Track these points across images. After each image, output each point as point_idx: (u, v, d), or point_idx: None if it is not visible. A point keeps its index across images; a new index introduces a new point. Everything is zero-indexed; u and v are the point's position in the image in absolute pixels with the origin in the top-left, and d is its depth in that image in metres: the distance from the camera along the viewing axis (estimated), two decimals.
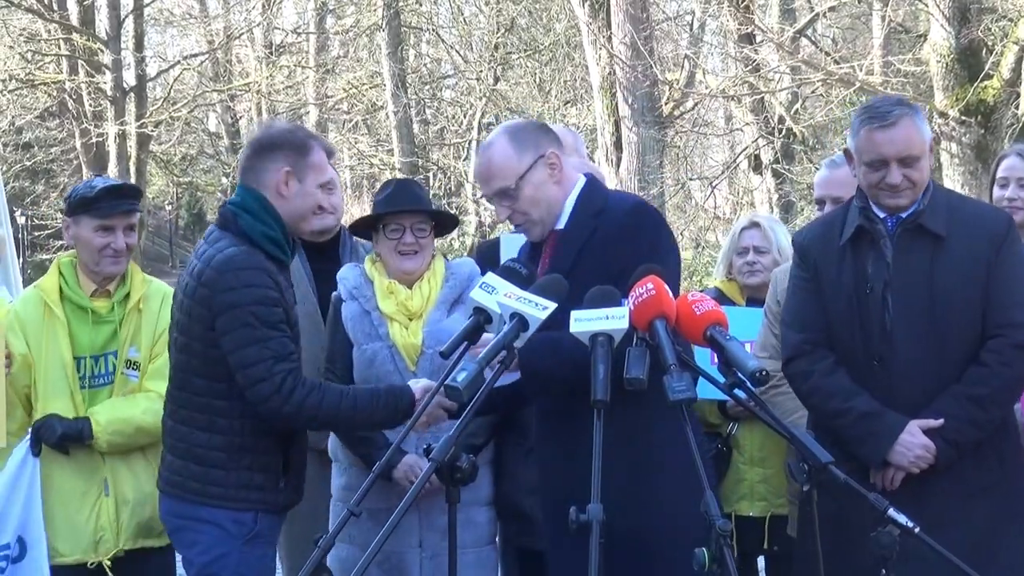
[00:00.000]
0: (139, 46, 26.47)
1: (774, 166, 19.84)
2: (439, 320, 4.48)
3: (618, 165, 16.73)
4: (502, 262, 3.80)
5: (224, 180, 31.11)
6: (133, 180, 24.33)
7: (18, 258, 6.81)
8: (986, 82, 13.08)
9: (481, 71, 25.98)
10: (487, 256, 4.77)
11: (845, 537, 3.64)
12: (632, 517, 3.52)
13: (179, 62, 28.21)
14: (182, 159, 31.93)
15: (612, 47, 16.17)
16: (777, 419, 3.36)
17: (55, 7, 25.25)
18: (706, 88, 20.23)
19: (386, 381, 4.42)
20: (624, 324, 3.20)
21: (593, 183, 3.98)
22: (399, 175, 21.11)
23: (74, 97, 25.34)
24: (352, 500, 3.23)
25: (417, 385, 4.05)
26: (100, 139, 24.87)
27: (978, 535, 3.89)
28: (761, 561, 5.27)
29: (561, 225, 3.89)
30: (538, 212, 3.87)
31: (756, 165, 20.65)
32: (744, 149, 20.96)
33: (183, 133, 28.98)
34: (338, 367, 4.55)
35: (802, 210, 20.37)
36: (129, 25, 26.03)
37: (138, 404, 4.56)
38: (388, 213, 4.53)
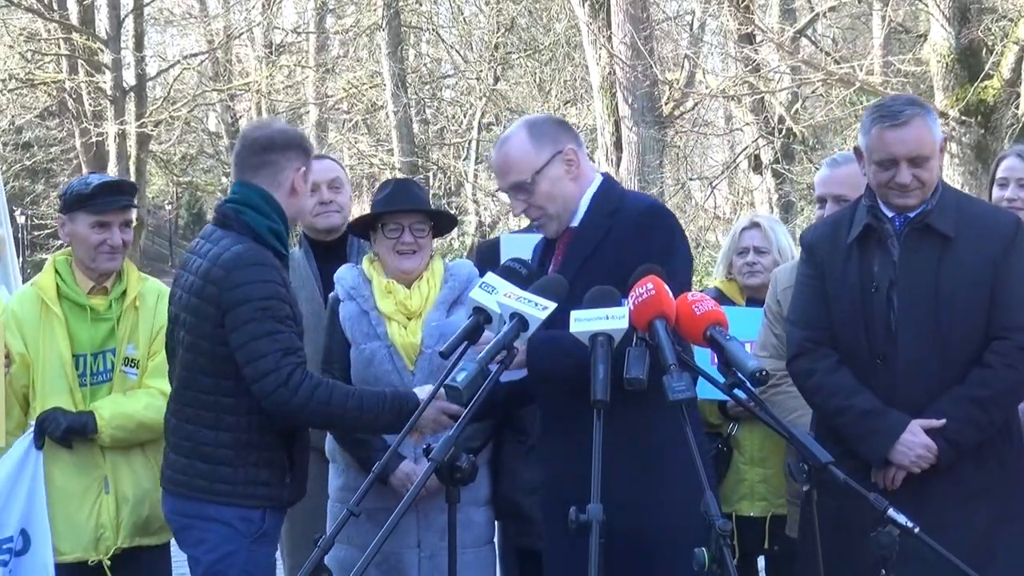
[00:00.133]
0: (139, 46, 26.46)
1: (774, 166, 19.83)
2: (438, 320, 4.48)
3: (618, 165, 16.73)
4: (502, 262, 3.80)
5: (224, 180, 31.09)
6: (133, 180, 24.35)
7: (18, 258, 6.81)
8: (986, 82, 13.08)
9: (481, 71, 25.98)
10: (487, 256, 4.77)
11: (846, 537, 3.64)
12: (634, 517, 3.51)
13: (179, 62, 28.20)
14: (182, 159, 31.93)
15: (612, 47, 16.17)
16: (777, 419, 3.36)
17: (55, 7, 25.24)
18: (706, 88, 20.23)
19: (384, 381, 4.43)
20: (624, 324, 3.20)
21: (609, 182, 3.98)
22: (399, 175, 21.10)
23: (74, 97, 25.34)
24: (352, 500, 3.23)
25: (422, 392, 4.03)
26: (100, 139, 24.87)
27: (978, 536, 3.89)
28: (761, 561, 5.27)
29: (576, 222, 3.88)
30: (554, 207, 3.87)
31: (756, 165, 20.65)
32: (744, 149, 20.95)
33: (183, 133, 28.97)
34: (336, 368, 4.54)
35: (802, 210, 20.37)
36: (129, 25, 26.03)
37: (140, 400, 4.57)
38: (387, 212, 4.53)
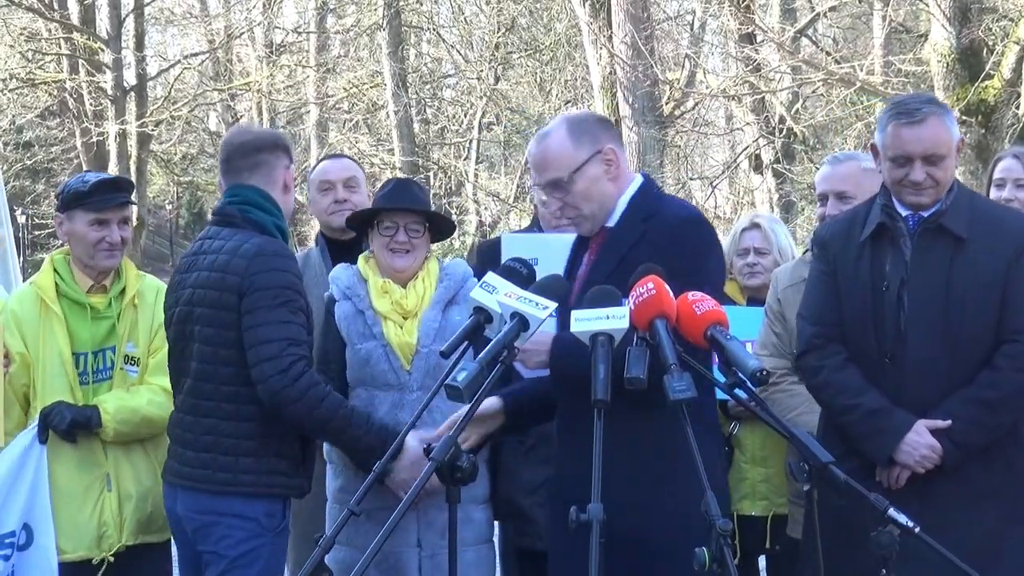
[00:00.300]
0: (140, 45, 26.43)
1: (775, 166, 19.82)
2: (434, 319, 4.48)
3: None
4: (503, 262, 3.79)
5: None
6: (133, 179, 24.33)
7: (18, 257, 6.81)
8: (987, 82, 13.07)
9: (482, 70, 25.97)
10: (488, 256, 4.77)
11: (849, 536, 3.64)
12: (645, 517, 3.51)
13: (180, 61, 28.17)
14: (182, 158, 31.88)
15: (613, 47, 16.16)
16: (777, 419, 3.35)
17: (56, 6, 25.23)
18: (707, 88, 20.22)
19: (381, 380, 4.46)
20: (624, 324, 3.20)
21: (649, 185, 3.91)
22: (400, 174, 21.08)
23: (75, 96, 25.32)
24: (352, 500, 3.23)
25: (413, 439, 4.12)
26: (100, 138, 24.85)
27: (984, 537, 3.90)
28: (762, 561, 5.27)
29: (612, 223, 3.83)
30: (590, 207, 3.82)
31: (756, 165, 20.64)
32: (744, 149, 20.95)
33: (184, 132, 28.94)
34: (332, 368, 4.54)
35: (802, 210, 20.37)
36: (130, 24, 26.00)
37: (143, 396, 4.59)
38: (383, 210, 4.53)
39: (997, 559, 3.88)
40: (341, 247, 5.09)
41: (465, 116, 27.32)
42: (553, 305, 3.37)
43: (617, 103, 16.66)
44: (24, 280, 5.68)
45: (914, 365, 3.99)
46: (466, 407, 3.31)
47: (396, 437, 3.91)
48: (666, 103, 17.58)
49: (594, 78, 17.36)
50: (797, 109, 19.12)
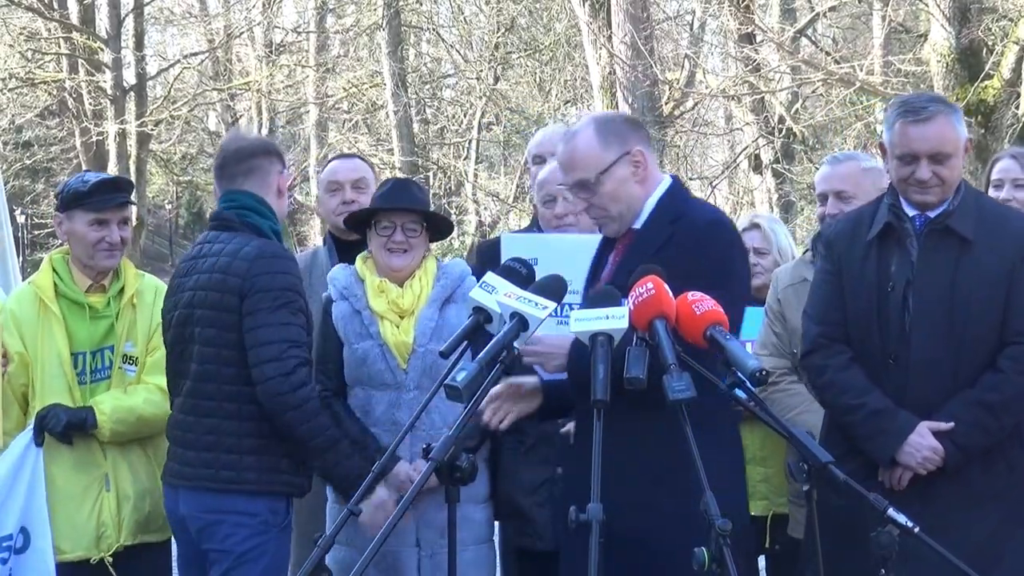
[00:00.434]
0: (139, 45, 26.43)
1: (774, 166, 19.82)
2: (431, 318, 4.49)
3: None
4: (503, 262, 3.79)
5: None
6: (133, 179, 24.31)
7: (18, 257, 6.80)
8: (986, 82, 13.06)
9: (481, 70, 25.97)
10: (488, 256, 4.76)
11: (849, 536, 3.64)
12: (657, 518, 3.51)
13: (179, 61, 28.16)
14: (182, 158, 31.87)
15: (612, 47, 16.15)
16: (776, 418, 3.35)
17: (55, 6, 25.21)
18: (706, 88, 20.22)
19: (378, 380, 4.48)
20: (624, 324, 3.20)
21: (676, 187, 3.88)
22: (399, 174, 21.08)
23: (74, 96, 25.30)
24: (352, 500, 3.23)
25: (405, 464, 4.27)
26: (100, 138, 24.84)
27: (985, 539, 3.89)
28: (762, 560, 5.26)
29: (639, 224, 3.80)
30: (616, 208, 3.79)
31: (756, 165, 20.64)
32: (744, 149, 20.95)
33: (183, 132, 28.94)
34: (330, 368, 4.56)
35: (802, 210, 20.37)
36: (129, 24, 25.99)
37: (139, 395, 4.59)
38: (380, 210, 4.54)
39: (998, 561, 3.88)
40: (349, 247, 5.09)
41: (465, 116, 27.32)
42: (552, 305, 3.37)
43: (617, 103, 16.65)
44: (24, 280, 5.68)
45: (917, 366, 3.99)
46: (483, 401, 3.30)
47: (372, 472, 3.97)
48: (666, 103, 17.58)
49: (594, 78, 17.36)
50: (797, 109, 19.12)
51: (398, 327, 4.50)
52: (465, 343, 3.41)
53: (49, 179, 29.63)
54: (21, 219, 28.90)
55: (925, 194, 4.01)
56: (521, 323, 3.32)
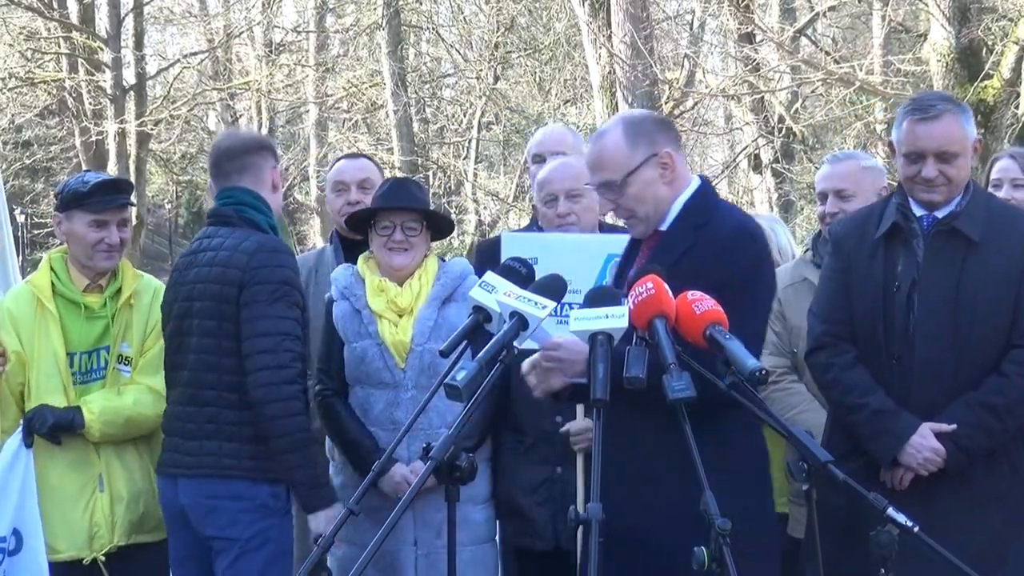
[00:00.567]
0: (139, 44, 26.40)
1: (774, 165, 19.81)
2: (429, 317, 4.49)
3: None
4: (503, 261, 3.79)
5: None
6: (133, 179, 24.30)
7: (18, 256, 6.79)
8: (986, 82, 13.06)
9: (481, 70, 25.95)
10: (487, 255, 4.77)
11: (851, 535, 3.64)
12: (673, 518, 3.48)
13: (179, 60, 28.13)
14: (182, 157, 31.85)
15: (612, 46, 16.14)
16: (776, 418, 3.35)
17: (55, 5, 25.19)
18: (706, 87, 20.21)
19: (376, 378, 4.51)
20: (623, 323, 3.19)
21: (705, 190, 3.83)
22: (399, 174, 21.08)
23: (74, 95, 25.28)
24: (351, 499, 3.23)
25: (401, 467, 4.37)
26: (100, 137, 24.82)
27: (988, 540, 3.89)
28: None
29: (665, 226, 3.76)
30: (643, 210, 3.75)
31: (756, 164, 20.63)
32: (744, 148, 20.94)
33: (183, 131, 28.92)
34: (332, 368, 4.59)
35: (802, 209, 20.36)
36: (129, 23, 25.97)
37: (129, 395, 4.59)
38: (380, 210, 4.55)
39: (1002, 562, 3.89)
40: (355, 246, 5.10)
41: (464, 115, 27.30)
42: (552, 304, 3.36)
43: (616, 102, 16.64)
44: (23, 279, 5.67)
45: (921, 366, 3.99)
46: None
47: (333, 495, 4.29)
48: (665, 103, 17.56)
49: (593, 78, 17.35)
50: (796, 109, 19.11)
51: (396, 326, 4.51)
52: (465, 342, 3.41)
53: (49, 179, 29.63)
54: (21, 219, 28.91)
55: (931, 193, 4.01)
56: (521, 322, 3.31)
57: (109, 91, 24.72)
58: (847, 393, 4.08)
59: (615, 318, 3.20)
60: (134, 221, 24.16)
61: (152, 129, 26.06)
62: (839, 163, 5.02)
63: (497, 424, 4.66)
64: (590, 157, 3.85)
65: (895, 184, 4.29)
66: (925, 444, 3.95)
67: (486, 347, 3.30)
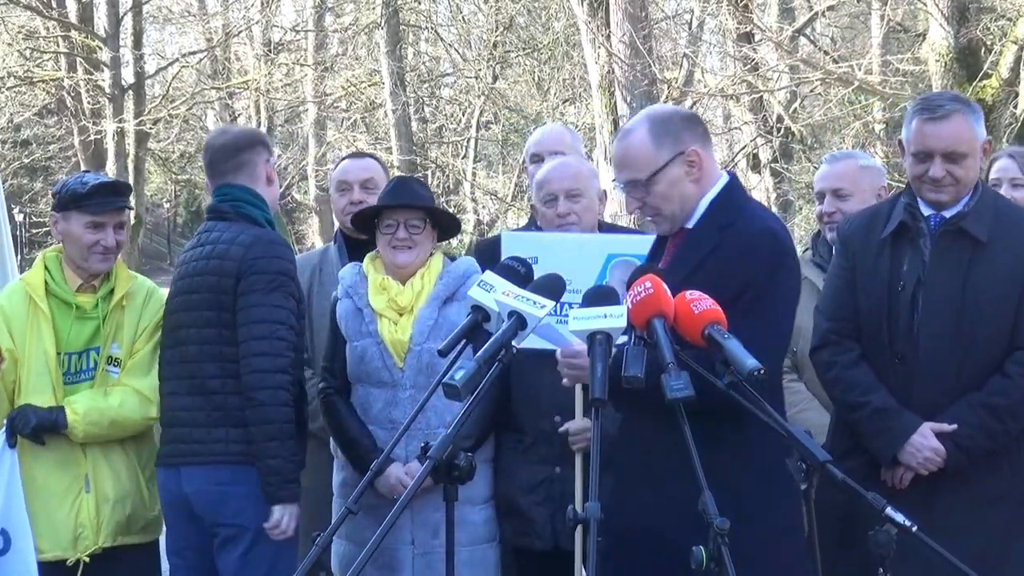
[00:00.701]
0: (138, 44, 26.41)
1: (772, 165, 19.82)
2: (429, 317, 4.49)
3: None
4: (502, 260, 3.78)
5: None
6: (131, 178, 24.32)
7: (16, 256, 6.78)
8: (985, 81, 13.06)
9: (480, 69, 25.96)
10: (486, 254, 4.76)
11: (851, 535, 3.64)
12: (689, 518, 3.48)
13: (178, 60, 28.15)
14: (180, 156, 31.86)
15: (611, 46, 16.14)
16: (776, 417, 3.35)
17: (53, 4, 25.20)
18: (705, 87, 20.21)
19: (375, 377, 4.52)
20: (622, 323, 3.19)
21: (731, 189, 3.77)
22: (397, 173, 21.09)
23: (72, 95, 25.28)
24: (351, 499, 3.23)
25: (398, 466, 4.40)
26: (98, 136, 24.82)
27: (989, 542, 3.89)
28: None
29: (691, 224, 3.72)
30: (669, 208, 3.71)
31: (754, 164, 20.63)
32: (742, 148, 20.94)
33: (181, 131, 28.95)
34: (336, 366, 4.61)
35: (800, 209, 20.37)
36: (128, 22, 25.98)
37: (115, 397, 4.56)
38: (383, 208, 4.56)
39: (1005, 562, 3.89)
40: (360, 245, 5.11)
41: (463, 115, 27.30)
42: (551, 304, 3.36)
43: (615, 102, 16.64)
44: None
45: (924, 366, 3.99)
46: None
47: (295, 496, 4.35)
48: (664, 102, 17.56)
49: (592, 77, 17.35)
50: (795, 108, 19.10)
51: (396, 325, 4.51)
52: (464, 341, 3.41)
53: (47, 178, 29.65)
54: (19, 218, 28.90)
55: (938, 192, 4.00)
56: (519, 322, 3.31)
57: (108, 90, 24.73)
58: (849, 391, 4.09)
59: (614, 318, 3.19)
60: (132, 220, 24.17)
61: (151, 128, 26.08)
62: (837, 163, 5.02)
63: (498, 426, 4.66)
64: (616, 155, 3.80)
65: (895, 183, 4.29)
66: (925, 443, 3.95)
67: (484, 346, 3.30)
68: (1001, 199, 4.36)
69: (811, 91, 18.62)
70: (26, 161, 28.69)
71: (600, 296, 3.31)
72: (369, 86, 27.21)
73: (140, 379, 4.57)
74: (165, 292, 4.78)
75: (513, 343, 3.31)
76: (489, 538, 4.62)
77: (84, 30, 24.94)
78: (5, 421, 4.50)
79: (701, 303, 3.25)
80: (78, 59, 25.27)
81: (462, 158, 27.03)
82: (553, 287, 3.45)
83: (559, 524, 4.50)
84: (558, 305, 3.58)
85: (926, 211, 4.06)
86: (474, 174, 26.72)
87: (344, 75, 27.87)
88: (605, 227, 5.00)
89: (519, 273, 3.51)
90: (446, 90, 30.65)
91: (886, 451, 4.01)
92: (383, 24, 24.50)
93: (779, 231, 3.70)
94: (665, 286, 3.26)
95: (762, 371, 3.09)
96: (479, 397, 3.18)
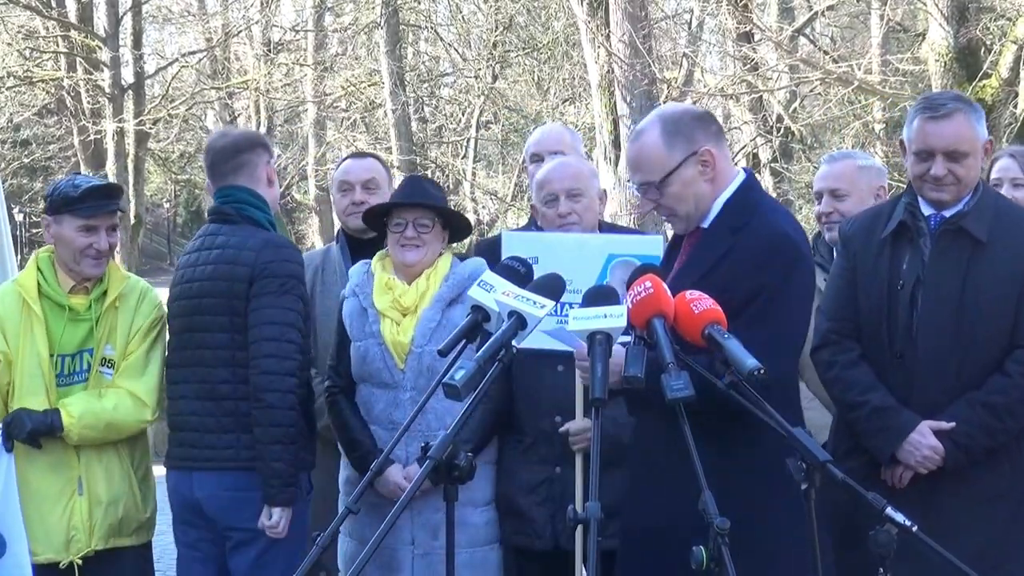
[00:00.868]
0: (137, 43, 26.39)
1: (772, 165, 19.82)
2: (432, 319, 4.49)
3: (616, 163, 16.72)
4: (502, 259, 3.78)
5: None
6: (131, 177, 24.34)
7: (16, 256, 6.77)
8: (984, 81, 13.05)
9: (479, 69, 25.95)
10: (487, 254, 4.76)
11: (851, 534, 3.64)
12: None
13: (177, 59, 28.14)
14: (180, 156, 31.86)
15: (610, 45, 16.14)
16: (776, 416, 3.34)
17: (53, 4, 25.18)
18: (704, 87, 20.20)
19: (376, 378, 4.53)
20: (622, 322, 3.19)
21: (747, 187, 3.73)
22: (397, 173, 21.08)
23: (72, 94, 25.26)
24: (351, 498, 3.23)
25: (397, 469, 4.41)
26: (98, 136, 24.80)
27: (988, 540, 3.89)
28: None
29: (706, 224, 3.70)
30: (684, 209, 3.69)
31: (754, 164, 20.63)
32: (742, 148, 20.94)
33: (181, 131, 28.94)
34: (342, 365, 4.62)
35: (800, 209, 20.37)
36: (127, 22, 25.96)
37: (110, 400, 4.55)
38: (393, 207, 4.58)
39: (1005, 561, 3.89)
40: (362, 245, 5.12)
41: (463, 115, 27.30)
42: (551, 304, 3.36)
43: (615, 102, 16.64)
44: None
45: (923, 365, 3.99)
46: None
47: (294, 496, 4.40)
48: (664, 102, 17.56)
49: (592, 77, 17.34)
50: (795, 108, 19.11)
51: (398, 326, 4.51)
52: (463, 341, 3.40)
53: (47, 177, 29.64)
54: (19, 217, 28.89)
55: (940, 191, 4.01)
56: (519, 321, 3.31)
57: (107, 90, 24.70)
58: (848, 390, 4.09)
59: (613, 317, 3.19)
60: (132, 220, 24.11)
61: (150, 128, 26.06)
62: (835, 163, 5.03)
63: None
64: (629, 157, 3.80)
65: (895, 183, 4.30)
66: (924, 442, 3.95)
67: (484, 346, 3.30)
68: (1002, 199, 4.37)
69: (811, 91, 18.62)
70: (26, 161, 28.68)
71: (600, 296, 3.31)
72: (369, 86, 27.20)
73: (135, 381, 4.56)
74: (162, 292, 4.78)
75: (514, 343, 3.31)
76: (490, 541, 4.61)
77: (84, 30, 24.93)
78: (1, 425, 4.48)
79: (701, 303, 3.25)
80: (78, 59, 25.25)
81: (462, 158, 27.02)
82: (553, 287, 3.45)
83: (559, 524, 4.50)
84: (558, 305, 3.57)
85: (926, 210, 4.07)
86: (474, 174, 26.71)
87: (344, 75, 27.86)
88: (605, 227, 5.00)
89: (519, 273, 3.51)
90: (446, 90, 30.65)
91: (885, 450, 4.01)
92: (383, 24, 24.49)
93: (793, 233, 3.67)
94: (665, 286, 3.26)
95: (762, 371, 3.09)
96: (479, 397, 3.18)
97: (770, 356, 3.15)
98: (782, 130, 18.96)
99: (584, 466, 4.31)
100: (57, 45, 25.54)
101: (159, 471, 4.71)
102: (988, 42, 13.91)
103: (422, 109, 29.18)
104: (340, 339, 4.65)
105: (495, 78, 26.23)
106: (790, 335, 3.62)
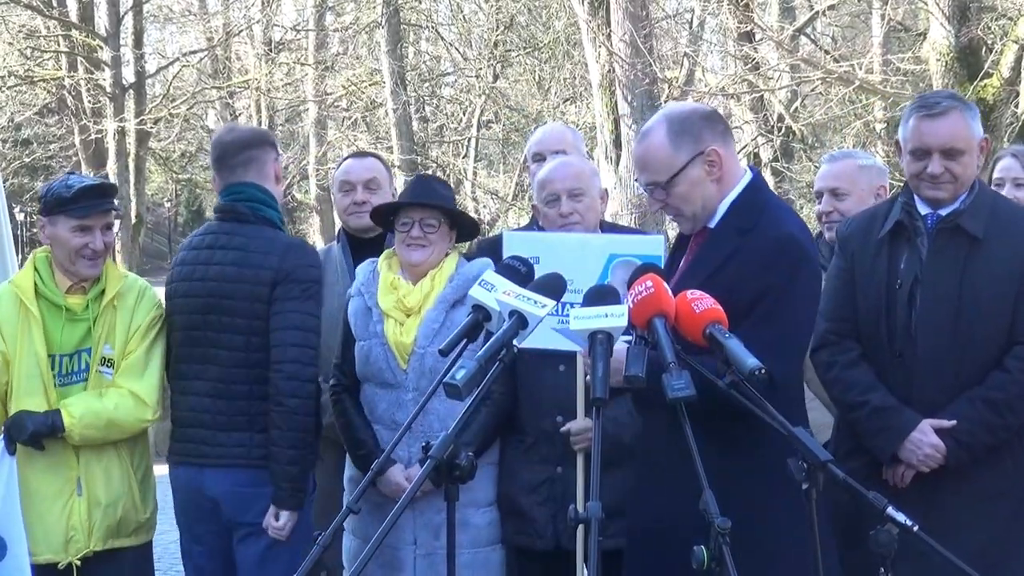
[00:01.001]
0: (138, 43, 26.40)
1: (773, 164, 19.81)
2: (435, 320, 4.48)
3: (617, 163, 16.72)
4: (503, 259, 3.78)
5: None
6: (132, 177, 24.36)
7: (16, 255, 6.77)
8: (986, 81, 13.05)
9: (480, 68, 25.94)
10: (488, 254, 4.76)
11: (852, 534, 3.64)
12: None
13: (178, 59, 28.15)
14: (181, 156, 31.87)
15: (611, 45, 16.14)
16: (776, 416, 3.34)
17: (54, 3, 25.20)
18: (705, 86, 20.19)
19: (379, 378, 4.53)
20: (623, 322, 3.19)
21: (755, 186, 3.72)
22: (398, 173, 21.07)
23: (73, 94, 25.28)
24: (352, 498, 3.23)
25: (399, 469, 4.43)
26: (99, 136, 24.81)
27: (990, 538, 3.89)
28: None
29: (713, 224, 3.69)
30: (691, 209, 3.68)
31: (755, 163, 20.63)
32: (743, 147, 20.92)
33: (182, 130, 28.93)
34: (347, 364, 4.62)
35: (801, 208, 20.36)
36: (128, 22, 25.97)
37: (111, 399, 4.54)
38: (400, 206, 4.58)
39: (1007, 559, 3.89)
40: (363, 244, 5.12)
41: (464, 114, 27.28)
42: (552, 303, 3.36)
43: (616, 101, 16.64)
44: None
45: (923, 364, 4.00)
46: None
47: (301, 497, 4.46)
48: (665, 101, 17.55)
49: (593, 76, 17.34)
50: (796, 108, 19.11)
51: (402, 326, 4.51)
52: (465, 341, 3.40)
53: (48, 177, 29.58)
54: (20, 217, 28.89)
55: (937, 190, 4.01)
56: (520, 321, 3.31)
57: (108, 89, 24.72)
58: (848, 391, 4.10)
59: (614, 317, 3.19)
60: (134, 219, 24.07)
61: (151, 127, 26.07)
62: (835, 162, 5.04)
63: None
64: (636, 157, 3.78)
65: (896, 183, 4.31)
66: (925, 440, 3.95)
67: (486, 346, 3.30)
68: (999, 197, 4.37)
69: (812, 90, 18.62)
70: (27, 160, 28.67)
71: (601, 295, 3.30)
72: (370, 85, 27.20)
73: (135, 381, 4.55)
74: (161, 291, 4.77)
75: (514, 342, 3.31)
76: (492, 541, 4.61)
77: (85, 29, 24.93)
78: (3, 428, 4.48)
79: (702, 302, 3.25)
80: (79, 58, 25.25)
81: (463, 157, 27.01)
82: (554, 286, 3.45)
83: (560, 524, 4.50)
84: (559, 305, 3.57)
85: (923, 210, 4.07)
86: (475, 173, 26.70)
87: (345, 74, 27.85)
88: (606, 227, 5.00)
89: (520, 272, 3.51)
90: (447, 89, 30.63)
91: (886, 449, 4.01)
92: (384, 23, 24.48)
93: (799, 234, 3.66)
94: (666, 285, 3.26)
95: (763, 371, 3.09)
96: (480, 397, 3.18)
97: (776, 356, 3.15)
98: (783, 129, 18.96)
99: (585, 466, 4.31)
100: (58, 44, 25.55)
101: (159, 470, 4.71)
102: (989, 42, 13.91)
103: (423, 108, 29.17)
104: (345, 338, 4.65)
105: (496, 77, 26.23)
106: (796, 335, 3.62)
